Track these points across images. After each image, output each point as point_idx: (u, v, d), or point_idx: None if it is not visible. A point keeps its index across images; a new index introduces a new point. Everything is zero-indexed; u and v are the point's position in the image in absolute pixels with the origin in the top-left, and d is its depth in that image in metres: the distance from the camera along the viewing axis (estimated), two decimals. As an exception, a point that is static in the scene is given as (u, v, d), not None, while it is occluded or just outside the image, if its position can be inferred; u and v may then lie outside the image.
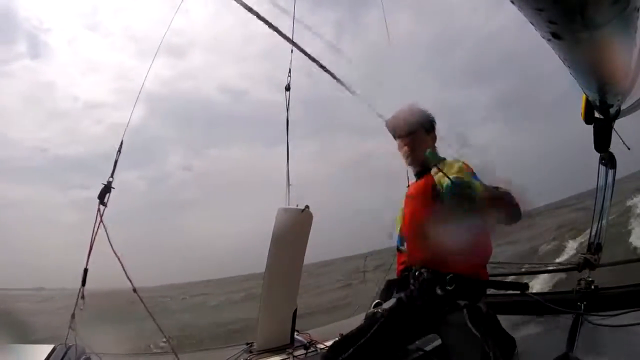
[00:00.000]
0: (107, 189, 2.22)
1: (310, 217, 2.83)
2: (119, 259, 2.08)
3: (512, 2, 0.96)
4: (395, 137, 2.21)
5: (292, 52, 2.95)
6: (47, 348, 1.84)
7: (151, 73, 2.60)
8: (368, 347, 1.88)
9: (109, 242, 2.10)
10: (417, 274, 2.02)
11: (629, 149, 2.32)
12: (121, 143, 2.34)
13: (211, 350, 2.60)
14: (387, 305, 2.08)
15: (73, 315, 1.98)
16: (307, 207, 2.80)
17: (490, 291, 2.19)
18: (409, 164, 2.19)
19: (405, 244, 2.19)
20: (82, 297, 2.07)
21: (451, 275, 1.87)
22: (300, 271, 2.91)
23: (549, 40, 1.04)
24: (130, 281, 2.11)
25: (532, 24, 1.01)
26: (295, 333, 2.85)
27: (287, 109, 2.92)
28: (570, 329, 2.21)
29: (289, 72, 2.92)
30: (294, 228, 2.80)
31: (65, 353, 1.86)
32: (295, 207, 2.83)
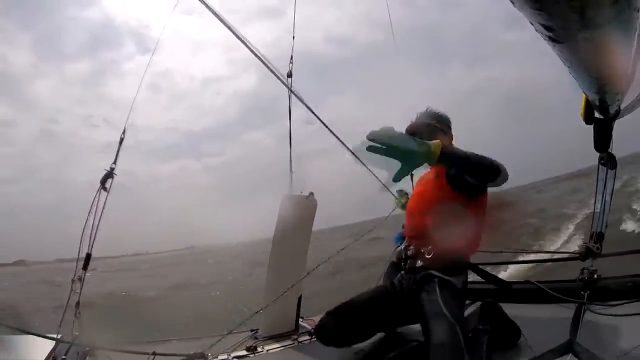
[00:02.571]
0: (109, 175, 2.28)
1: (314, 204, 2.83)
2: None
3: (512, 2, 0.93)
4: None
5: (293, 39, 2.92)
6: (50, 341, 1.83)
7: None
8: (360, 320, 2.09)
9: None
10: (407, 251, 2.11)
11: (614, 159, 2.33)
12: (124, 131, 2.38)
13: (216, 336, 2.65)
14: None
15: (78, 304, 2.00)
16: (311, 193, 2.80)
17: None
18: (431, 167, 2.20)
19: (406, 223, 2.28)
20: (79, 279, 2.13)
21: (430, 247, 1.98)
22: (305, 258, 2.93)
23: (549, 39, 1.02)
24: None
25: (532, 24, 0.99)
26: (300, 319, 2.89)
27: (290, 96, 2.89)
28: (573, 317, 2.21)
29: (291, 59, 2.88)
30: (299, 215, 2.81)
31: (70, 346, 1.88)
32: (299, 193, 2.84)
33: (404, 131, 2.17)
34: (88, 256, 2.20)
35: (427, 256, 1.97)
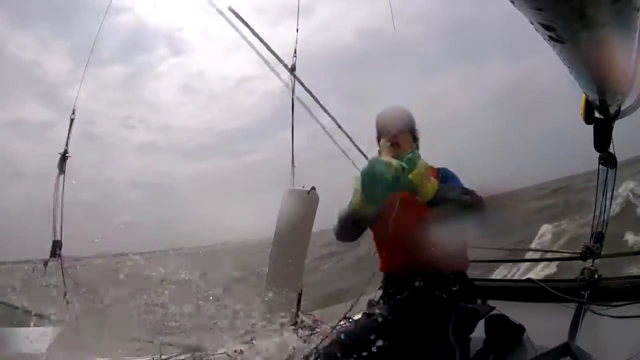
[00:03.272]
0: (64, 158, 2.34)
1: (316, 199, 2.82)
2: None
3: (512, 2, 0.93)
4: (381, 133, 2.01)
5: (297, 31, 2.91)
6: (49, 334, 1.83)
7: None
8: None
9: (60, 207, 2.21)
10: (414, 283, 1.88)
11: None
12: (73, 111, 2.43)
13: (216, 330, 2.65)
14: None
15: (65, 293, 2.02)
16: (313, 188, 2.79)
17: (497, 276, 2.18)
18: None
19: (385, 250, 2.07)
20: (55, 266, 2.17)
21: (453, 276, 1.83)
22: (306, 253, 2.93)
23: (549, 39, 1.01)
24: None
25: (532, 24, 0.98)
26: (300, 314, 2.88)
27: (293, 91, 2.88)
28: (573, 317, 2.20)
29: (294, 52, 2.87)
30: (300, 210, 2.81)
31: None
32: (301, 188, 2.83)
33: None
34: (55, 243, 2.24)
35: (454, 288, 1.81)
